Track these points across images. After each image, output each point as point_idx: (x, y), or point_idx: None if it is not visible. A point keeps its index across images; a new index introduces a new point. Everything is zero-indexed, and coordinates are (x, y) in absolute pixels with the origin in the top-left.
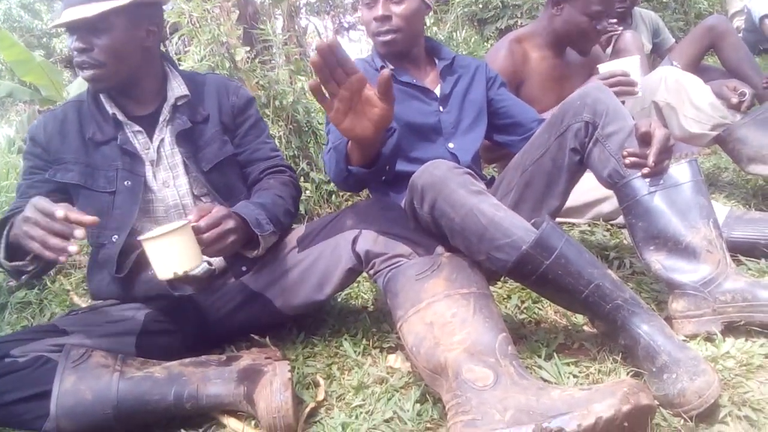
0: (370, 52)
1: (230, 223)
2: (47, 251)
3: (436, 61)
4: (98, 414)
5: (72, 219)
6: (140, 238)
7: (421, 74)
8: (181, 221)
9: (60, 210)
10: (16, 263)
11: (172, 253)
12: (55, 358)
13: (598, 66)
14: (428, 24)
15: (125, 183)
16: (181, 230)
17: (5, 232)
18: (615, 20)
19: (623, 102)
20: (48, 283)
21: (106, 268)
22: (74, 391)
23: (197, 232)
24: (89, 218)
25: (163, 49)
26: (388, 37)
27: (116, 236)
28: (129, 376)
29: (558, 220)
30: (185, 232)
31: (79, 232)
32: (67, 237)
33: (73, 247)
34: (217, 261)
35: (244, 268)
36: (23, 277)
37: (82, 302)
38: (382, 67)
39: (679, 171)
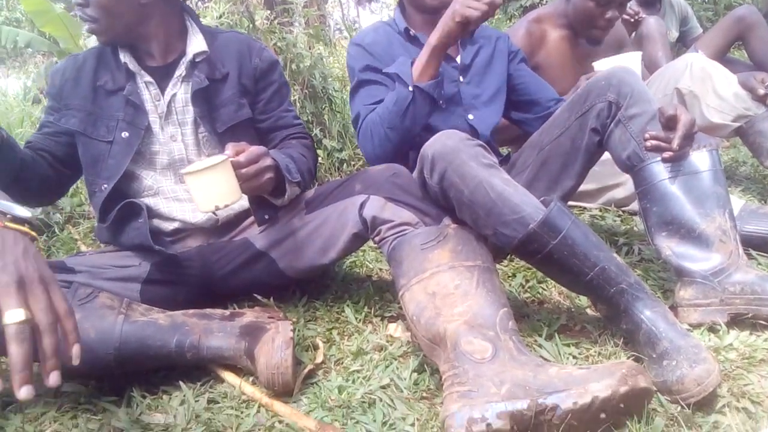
0: (393, 15)
1: (268, 160)
2: None
3: None
4: (100, 353)
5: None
6: (182, 171)
7: None
8: (221, 156)
9: None
10: None
11: (214, 187)
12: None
13: (593, 64)
14: None
15: (123, 134)
16: (223, 165)
17: None
18: (638, 8)
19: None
20: (56, 231)
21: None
22: (79, 328)
23: (237, 166)
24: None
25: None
26: None
27: (105, 185)
28: (133, 319)
29: (570, 203)
30: (226, 166)
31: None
32: None
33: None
34: (221, 211)
35: (266, 216)
36: None
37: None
38: (406, 29)
39: (699, 159)
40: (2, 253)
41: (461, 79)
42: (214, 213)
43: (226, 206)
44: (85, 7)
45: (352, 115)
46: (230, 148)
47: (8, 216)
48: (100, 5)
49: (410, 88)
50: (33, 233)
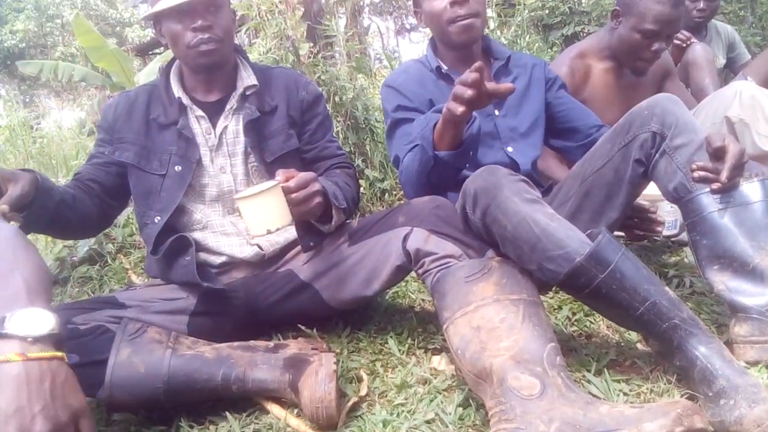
0: (425, 51)
1: (317, 186)
2: None
3: (492, 60)
4: (149, 387)
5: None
6: (235, 197)
7: None
8: (272, 181)
9: None
10: None
11: (266, 211)
12: (114, 329)
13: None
14: (492, 27)
15: (176, 168)
16: (274, 189)
17: None
18: (688, 33)
19: None
20: (109, 261)
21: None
22: (129, 363)
23: (287, 191)
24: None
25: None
26: (468, 21)
27: (159, 217)
28: (180, 353)
29: (616, 234)
30: (277, 191)
31: None
32: None
33: None
34: (267, 245)
35: (311, 243)
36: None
37: (140, 281)
38: (437, 68)
39: (751, 189)
40: (29, 400)
41: (496, 112)
42: (259, 247)
43: (278, 230)
44: (212, 29)
45: (391, 156)
46: (281, 173)
47: (29, 339)
48: (226, 24)
49: (430, 154)
50: (59, 353)
